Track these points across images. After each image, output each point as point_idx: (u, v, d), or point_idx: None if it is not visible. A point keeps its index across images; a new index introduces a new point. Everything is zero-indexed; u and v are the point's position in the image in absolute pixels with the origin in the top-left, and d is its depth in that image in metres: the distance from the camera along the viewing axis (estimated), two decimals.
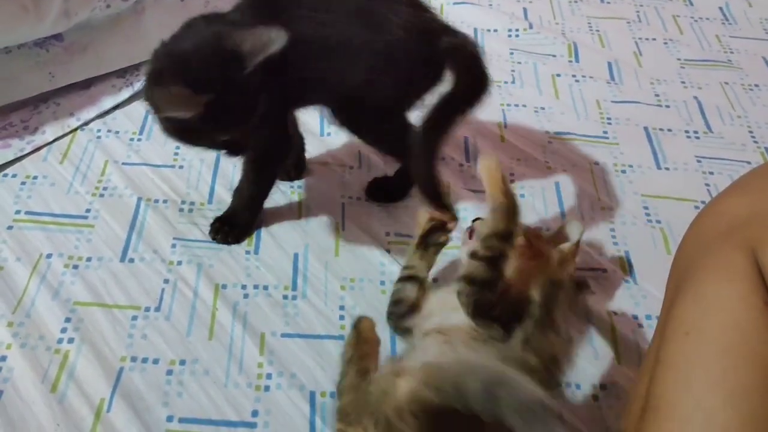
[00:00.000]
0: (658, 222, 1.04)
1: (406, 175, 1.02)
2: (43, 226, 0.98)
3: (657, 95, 1.28)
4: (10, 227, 0.98)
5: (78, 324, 0.87)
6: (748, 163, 1.14)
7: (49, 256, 0.94)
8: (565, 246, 0.83)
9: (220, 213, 1.00)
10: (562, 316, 0.74)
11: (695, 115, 1.24)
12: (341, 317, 0.90)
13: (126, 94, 1.20)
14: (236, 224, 0.98)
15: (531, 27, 1.44)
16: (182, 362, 0.84)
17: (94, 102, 1.18)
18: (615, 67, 1.34)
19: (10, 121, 1.13)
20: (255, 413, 0.80)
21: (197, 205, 1.03)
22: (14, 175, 1.06)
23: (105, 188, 1.04)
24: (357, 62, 0.83)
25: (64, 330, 0.86)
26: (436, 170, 0.87)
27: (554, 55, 1.37)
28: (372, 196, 1.05)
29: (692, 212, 0.89)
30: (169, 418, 0.79)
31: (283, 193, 1.05)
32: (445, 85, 0.86)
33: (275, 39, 0.74)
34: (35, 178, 1.06)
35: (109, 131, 1.14)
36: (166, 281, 0.92)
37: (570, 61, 1.36)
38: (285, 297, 0.91)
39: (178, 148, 1.11)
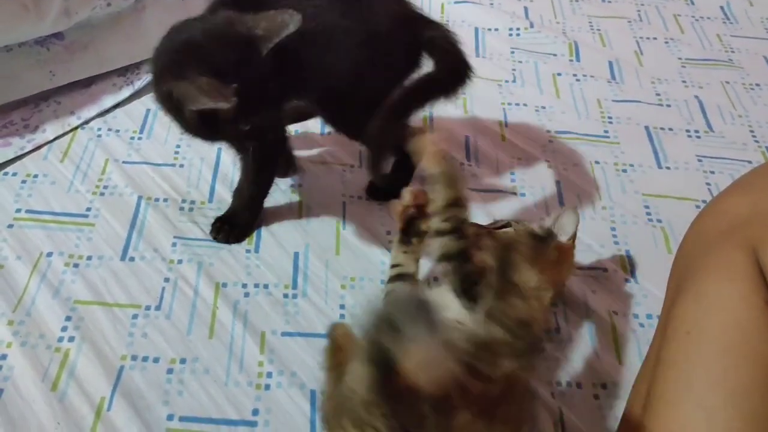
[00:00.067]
0: (659, 221, 1.04)
1: (403, 172, 1.02)
2: (44, 224, 0.98)
3: (658, 94, 1.28)
4: (10, 226, 0.98)
5: (78, 322, 0.87)
6: (749, 162, 1.14)
7: (49, 254, 0.94)
8: (562, 241, 0.82)
9: (220, 212, 0.99)
10: (525, 277, 0.73)
11: (696, 114, 1.24)
12: (342, 316, 0.90)
13: (127, 92, 1.19)
14: (237, 224, 0.98)
15: (532, 26, 1.44)
16: (183, 361, 0.84)
17: (94, 100, 1.18)
18: (616, 66, 1.34)
19: (11, 120, 1.13)
20: (255, 412, 0.80)
21: (198, 203, 1.03)
22: (15, 174, 1.06)
23: (105, 187, 1.04)
24: (341, 51, 0.83)
25: (64, 329, 0.86)
26: (388, 145, 0.90)
27: (555, 54, 1.37)
28: (372, 195, 1.05)
29: (693, 211, 0.89)
30: (170, 417, 0.79)
31: (283, 192, 1.05)
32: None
33: (290, 21, 0.73)
34: (36, 176, 1.05)
35: (109, 130, 1.14)
36: (167, 280, 0.92)
37: (571, 60, 1.36)
38: (285, 296, 0.91)
39: (178, 146, 1.11)
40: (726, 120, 1.23)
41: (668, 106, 1.26)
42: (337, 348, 0.73)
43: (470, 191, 1.06)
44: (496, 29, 1.43)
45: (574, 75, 1.32)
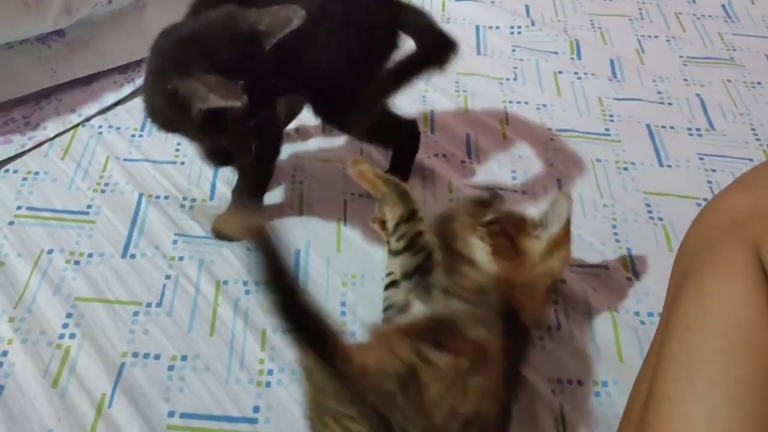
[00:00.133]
0: (660, 219, 1.04)
1: (401, 165, 1.03)
2: (45, 221, 0.98)
3: (659, 93, 1.28)
4: (11, 223, 0.98)
5: (79, 319, 0.87)
6: (751, 160, 1.14)
7: (50, 251, 0.94)
8: (552, 232, 0.80)
9: (221, 209, 0.99)
10: (469, 244, 0.72)
11: (697, 112, 1.24)
12: (343, 313, 0.90)
13: (127, 90, 1.19)
14: None
15: (533, 24, 1.44)
16: (183, 358, 0.84)
17: (95, 98, 1.18)
18: (617, 64, 1.34)
19: (12, 117, 1.13)
20: (256, 409, 0.80)
21: (199, 201, 1.03)
22: (15, 171, 1.06)
23: (106, 184, 1.04)
24: (326, 42, 0.83)
25: (65, 325, 0.86)
26: (372, 116, 0.92)
27: (556, 53, 1.37)
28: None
29: (694, 209, 0.89)
30: (171, 414, 0.79)
31: (284, 190, 1.05)
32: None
33: (293, 16, 0.72)
34: (36, 173, 1.05)
35: (110, 127, 1.14)
36: (168, 277, 0.92)
37: (572, 59, 1.35)
38: None
39: (179, 144, 1.10)
40: (727, 118, 1.23)
41: (669, 104, 1.26)
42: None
43: (472, 189, 1.07)
44: (497, 27, 1.43)
45: (576, 73, 1.31)
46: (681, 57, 1.37)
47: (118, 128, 1.14)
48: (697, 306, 0.60)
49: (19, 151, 1.08)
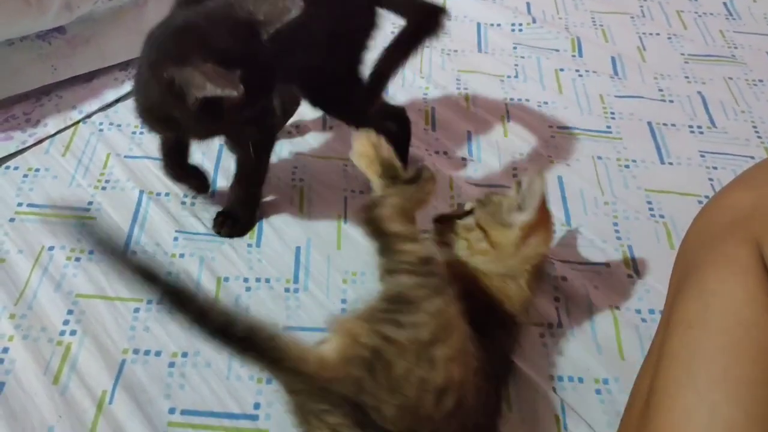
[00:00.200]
0: (662, 217, 1.04)
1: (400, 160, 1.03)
2: (45, 218, 0.98)
3: (661, 90, 1.28)
4: (12, 219, 0.98)
5: (80, 316, 0.87)
6: (752, 158, 1.13)
7: (51, 248, 0.94)
8: (524, 219, 0.77)
9: (222, 206, 0.99)
10: (398, 223, 0.71)
11: (699, 110, 1.24)
12: (343, 310, 0.90)
13: (128, 87, 1.19)
14: (239, 217, 0.98)
15: (534, 21, 1.44)
16: (184, 354, 0.84)
17: (96, 95, 1.18)
18: (618, 61, 1.34)
19: (13, 114, 1.13)
20: (257, 405, 0.80)
21: (199, 198, 1.02)
22: (16, 168, 1.06)
23: (107, 181, 1.04)
24: (312, 30, 0.83)
25: (66, 322, 0.86)
26: (381, 91, 0.97)
27: (557, 50, 1.36)
28: None
29: (696, 207, 0.89)
30: (171, 411, 0.78)
31: (285, 187, 1.05)
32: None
33: (291, 6, 0.72)
34: (37, 170, 1.05)
35: (111, 124, 1.14)
36: (169, 274, 0.92)
37: (573, 56, 1.35)
38: (287, 290, 0.91)
39: None
40: (729, 116, 1.22)
41: (671, 101, 1.25)
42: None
43: (472, 186, 1.07)
44: (499, 25, 1.42)
45: (577, 70, 1.31)
46: (682, 54, 1.37)
47: (119, 125, 1.14)
48: (698, 304, 0.60)
49: (19, 148, 1.08)
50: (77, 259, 0.93)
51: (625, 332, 0.88)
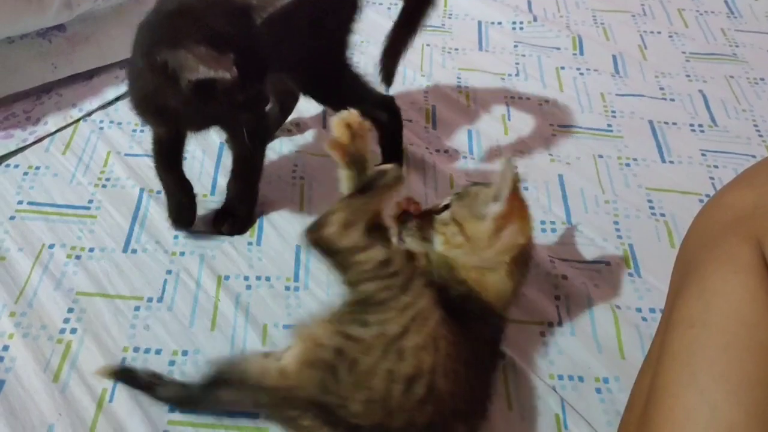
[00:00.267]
0: (663, 215, 1.04)
1: (391, 149, 1.05)
2: (46, 216, 0.98)
3: (662, 88, 1.27)
4: (12, 217, 0.98)
5: (80, 314, 0.87)
6: (753, 156, 1.13)
7: (51, 246, 0.94)
8: (495, 210, 0.74)
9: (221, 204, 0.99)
10: (351, 237, 0.71)
11: (700, 108, 1.23)
12: None
13: None
14: (239, 214, 0.97)
15: (535, 19, 1.43)
16: (184, 353, 0.84)
17: (96, 93, 1.18)
18: (620, 60, 1.34)
19: (13, 112, 1.13)
20: None
21: (200, 196, 1.02)
22: (17, 166, 1.06)
23: (107, 179, 1.04)
24: (297, 17, 0.84)
25: (66, 320, 0.86)
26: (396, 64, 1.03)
27: (559, 48, 1.36)
28: None
29: (697, 206, 0.89)
30: (171, 409, 0.78)
31: (285, 185, 1.05)
32: None
33: None
34: (38, 168, 1.05)
35: (111, 122, 1.14)
36: (169, 272, 0.92)
37: (574, 54, 1.35)
38: (287, 288, 0.91)
39: None
40: (730, 114, 1.22)
41: (672, 100, 1.25)
42: None
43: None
44: (500, 23, 1.42)
45: (578, 69, 1.31)
46: (684, 53, 1.36)
47: (119, 123, 1.14)
48: (699, 302, 0.60)
49: (20, 146, 1.08)
50: (77, 257, 0.93)
51: (626, 331, 0.88)
